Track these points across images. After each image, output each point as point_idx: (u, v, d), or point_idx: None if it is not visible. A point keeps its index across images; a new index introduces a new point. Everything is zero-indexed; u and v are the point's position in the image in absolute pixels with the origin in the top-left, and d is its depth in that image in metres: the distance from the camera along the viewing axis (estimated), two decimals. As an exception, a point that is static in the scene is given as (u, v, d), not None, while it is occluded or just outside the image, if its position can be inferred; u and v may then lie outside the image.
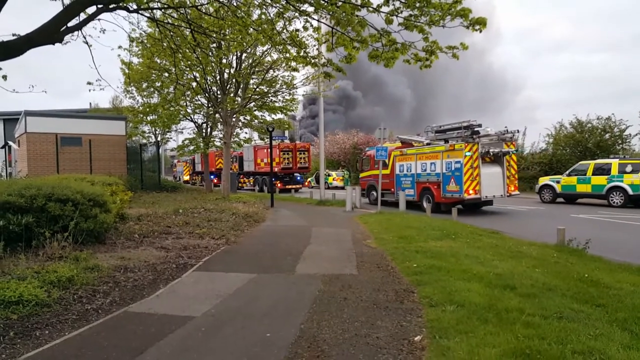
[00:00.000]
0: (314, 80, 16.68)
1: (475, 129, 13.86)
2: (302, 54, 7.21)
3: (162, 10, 7.37)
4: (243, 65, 16.74)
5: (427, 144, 15.48)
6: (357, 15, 5.82)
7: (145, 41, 9.93)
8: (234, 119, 17.44)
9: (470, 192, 13.24)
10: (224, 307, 4.47)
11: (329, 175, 28.91)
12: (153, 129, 23.90)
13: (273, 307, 4.45)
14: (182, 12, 7.01)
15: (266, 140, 20.33)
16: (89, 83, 8.35)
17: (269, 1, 6.56)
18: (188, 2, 7.06)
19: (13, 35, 5.20)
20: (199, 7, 7.20)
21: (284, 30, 7.14)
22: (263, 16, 7.00)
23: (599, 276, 5.32)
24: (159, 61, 15.00)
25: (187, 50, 8.39)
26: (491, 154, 13.69)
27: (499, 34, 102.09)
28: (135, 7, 6.13)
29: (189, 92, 17.64)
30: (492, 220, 12.15)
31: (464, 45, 5.84)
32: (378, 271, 5.93)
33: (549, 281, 5.09)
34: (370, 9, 5.69)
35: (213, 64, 13.81)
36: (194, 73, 15.49)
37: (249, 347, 3.46)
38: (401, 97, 72.49)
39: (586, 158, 19.54)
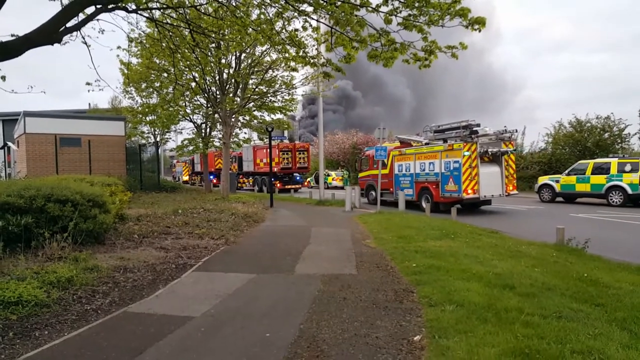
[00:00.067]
0: (313, 80, 16.68)
1: (474, 129, 13.87)
2: (301, 53, 7.21)
3: (161, 10, 7.36)
4: (242, 65, 16.73)
5: (426, 144, 15.49)
6: (356, 15, 5.82)
7: (144, 41, 9.92)
8: (233, 119, 17.43)
9: (469, 191, 13.26)
10: (224, 308, 4.47)
11: (328, 175, 28.92)
12: (152, 130, 23.89)
13: (272, 307, 4.45)
14: (181, 12, 7.01)
15: (265, 140, 20.33)
16: (88, 83, 8.34)
17: (268, 1, 6.56)
18: (187, 2, 7.06)
19: (12, 35, 5.20)
20: (197, 7, 7.20)
21: (283, 30, 7.14)
22: (262, 16, 7.01)
23: (598, 275, 5.32)
24: (158, 61, 14.98)
25: (186, 51, 8.39)
26: (490, 153, 13.70)
27: (498, 33, 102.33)
28: (134, 7, 6.13)
29: (188, 93, 17.62)
30: (492, 220, 12.15)
31: (463, 45, 5.84)
32: (377, 271, 5.94)
33: (548, 281, 5.10)
34: (370, 8, 5.70)
35: (212, 64, 13.79)
36: (193, 73, 15.48)
37: (249, 347, 3.46)
38: (401, 97, 72.59)
39: (585, 157, 19.56)
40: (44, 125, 16.55)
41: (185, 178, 40.45)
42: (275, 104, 18.36)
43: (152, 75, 17.09)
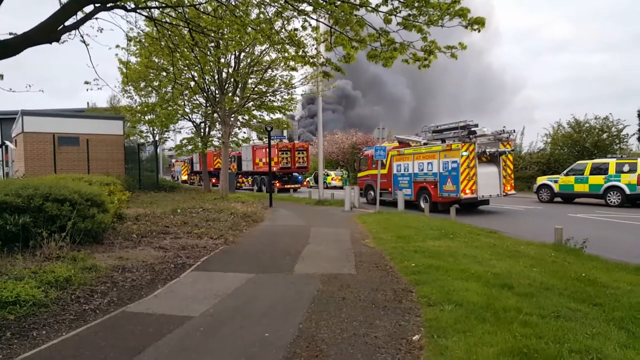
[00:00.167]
0: (313, 79, 16.67)
1: (472, 129, 13.89)
2: (300, 53, 7.20)
3: (160, 9, 7.35)
4: (241, 64, 16.71)
5: (424, 144, 15.51)
6: (355, 15, 5.82)
7: (143, 40, 9.90)
8: (232, 119, 17.41)
9: (467, 191, 13.28)
10: (223, 307, 4.46)
11: (327, 175, 28.92)
12: (151, 129, 23.84)
13: (271, 307, 4.44)
14: (180, 11, 6.99)
15: (264, 139, 20.32)
16: (86, 82, 8.31)
17: (268, 0, 6.55)
18: (186, 1, 7.04)
19: (10, 34, 5.17)
20: (197, 6, 7.18)
21: (283, 30, 7.13)
22: (261, 15, 6.99)
23: (596, 275, 5.34)
24: (157, 60, 14.95)
25: (185, 50, 8.37)
26: (487, 153, 13.74)
27: (497, 34, 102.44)
28: (133, 6, 6.11)
29: (187, 92, 17.60)
30: (490, 220, 12.17)
31: (463, 45, 5.85)
32: (376, 271, 5.94)
33: (546, 280, 5.11)
34: (369, 8, 5.69)
35: (211, 64, 13.77)
36: (192, 72, 15.46)
37: (248, 347, 3.46)
38: (400, 97, 72.69)
39: (584, 158, 19.60)
40: (42, 124, 16.51)
41: (184, 177, 40.40)
42: (275, 104, 18.35)
43: (151, 74, 17.05)
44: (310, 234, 9.32)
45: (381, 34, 6.01)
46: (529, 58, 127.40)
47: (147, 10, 6.75)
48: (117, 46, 9.33)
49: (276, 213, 13.72)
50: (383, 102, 70.63)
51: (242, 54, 16.42)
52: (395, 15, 5.71)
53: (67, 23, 5.34)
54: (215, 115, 18.40)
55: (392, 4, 5.63)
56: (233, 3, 7.02)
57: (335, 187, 27.41)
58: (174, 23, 7.37)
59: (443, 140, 14.64)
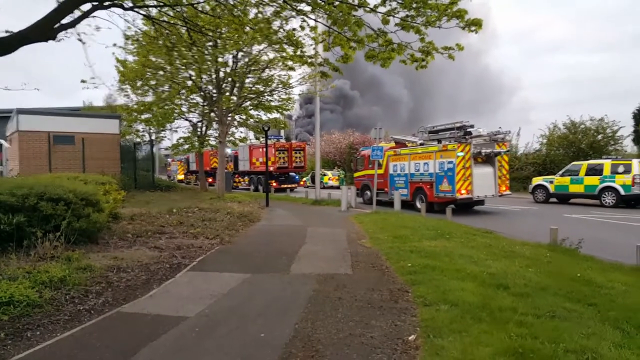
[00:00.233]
0: (311, 79, 16.65)
1: (468, 130, 13.97)
2: (298, 53, 7.20)
3: (158, 8, 7.31)
4: (239, 64, 16.66)
5: (421, 144, 15.56)
6: (353, 15, 5.82)
7: (141, 39, 9.85)
8: (229, 118, 17.36)
9: (463, 191, 13.34)
10: (218, 307, 4.45)
11: (324, 175, 28.92)
12: (147, 128, 23.69)
13: (267, 307, 4.44)
14: (178, 10, 6.97)
15: (262, 139, 20.27)
16: (83, 81, 8.28)
17: (266, 0, 6.54)
18: (184, 0, 7.02)
19: (6, 32, 5.13)
20: (195, 5, 7.15)
21: (281, 30, 7.13)
22: (260, 15, 6.98)
23: (591, 276, 5.37)
24: (154, 59, 14.88)
25: (183, 49, 8.36)
26: (483, 154, 13.78)
27: (495, 35, 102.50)
28: (130, 4, 6.08)
29: (184, 91, 17.52)
30: (486, 220, 12.22)
31: (460, 46, 5.87)
32: (373, 271, 5.94)
33: (541, 280, 5.13)
34: (367, 9, 5.70)
35: (209, 63, 13.73)
36: (190, 71, 15.39)
37: (243, 348, 3.45)
38: (398, 97, 72.79)
39: (579, 159, 19.73)
40: (38, 122, 16.37)
41: (181, 177, 40.21)
42: (272, 103, 18.30)
43: (148, 73, 16.96)
44: (307, 233, 9.31)
45: (379, 34, 6.03)
46: (527, 59, 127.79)
47: (145, 8, 6.72)
48: (115, 45, 9.30)
49: (273, 213, 13.70)
50: (381, 102, 70.76)
51: (240, 53, 16.37)
52: (394, 16, 5.72)
53: (63, 21, 5.31)
54: (212, 114, 18.34)
55: (390, 5, 5.65)
56: (231, 2, 7.00)
57: (332, 187, 27.39)
58: (171, 22, 7.34)
59: (439, 141, 14.69)
